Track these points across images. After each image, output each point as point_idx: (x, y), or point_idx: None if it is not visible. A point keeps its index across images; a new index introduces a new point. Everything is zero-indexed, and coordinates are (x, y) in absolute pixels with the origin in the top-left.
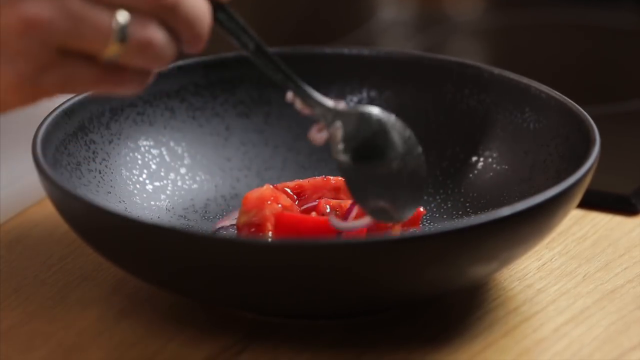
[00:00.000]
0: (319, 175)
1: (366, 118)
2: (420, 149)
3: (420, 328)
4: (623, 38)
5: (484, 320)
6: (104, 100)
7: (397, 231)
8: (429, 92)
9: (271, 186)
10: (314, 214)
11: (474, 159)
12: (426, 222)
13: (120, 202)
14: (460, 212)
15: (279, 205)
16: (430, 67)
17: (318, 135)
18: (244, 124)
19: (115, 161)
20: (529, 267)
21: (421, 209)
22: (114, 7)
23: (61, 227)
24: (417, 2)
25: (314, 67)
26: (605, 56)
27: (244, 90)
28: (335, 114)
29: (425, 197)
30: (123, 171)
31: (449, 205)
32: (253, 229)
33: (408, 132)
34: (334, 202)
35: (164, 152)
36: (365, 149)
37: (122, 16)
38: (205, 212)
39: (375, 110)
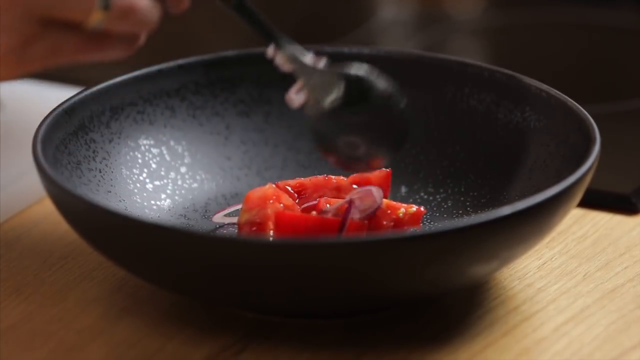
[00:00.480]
0: (319, 174)
1: (345, 76)
2: (404, 104)
3: (421, 327)
4: (623, 37)
5: (484, 319)
6: (105, 99)
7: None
8: (429, 91)
9: (273, 185)
10: (314, 213)
11: (474, 157)
12: (426, 221)
13: (120, 201)
14: (460, 212)
15: (281, 205)
16: (431, 66)
17: (295, 97)
18: (244, 123)
19: (116, 160)
20: (529, 266)
21: (422, 208)
22: None
23: (61, 227)
24: (417, 1)
25: None
26: (606, 55)
27: (244, 89)
28: (314, 71)
29: (426, 197)
30: (123, 170)
31: (449, 204)
32: (254, 228)
33: (390, 89)
34: (333, 201)
35: (164, 151)
36: (341, 103)
37: None
38: (206, 211)
39: (355, 69)
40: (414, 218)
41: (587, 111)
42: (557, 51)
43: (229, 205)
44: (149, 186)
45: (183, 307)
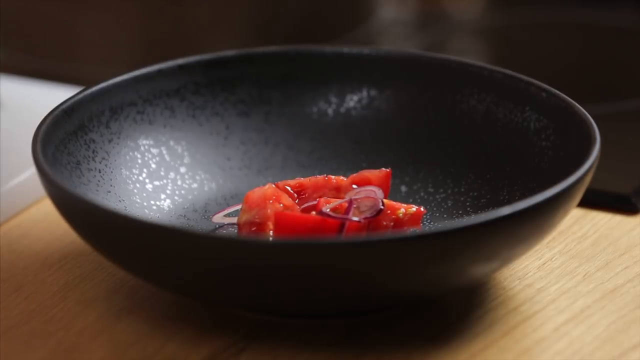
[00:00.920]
0: (319, 174)
1: None
2: None
3: (421, 327)
4: (623, 37)
5: (484, 319)
6: (104, 99)
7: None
8: (429, 91)
9: (273, 185)
10: (313, 213)
11: (474, 157)
12: (426, 221)
13: (120, 201)
14: (460, 212)
15: (281, 205)
16: (431, 66)
17: None
18: (244, 123)
19: (115, 160)
20: (529, 267)
21: (422, 208)
22: None
23: (61, 227)
24: (417, 1)
25: (314, 66)
26: (606, 55)
27: (244, 89)
28: None
29: (426, 197)
30: (123, 170)
31: (449, 204)
32: (254, 228)
33: None
34: (333, 200)
35: (164, 151)
36: None
37: None
38: (205, 211)
39: None
40: (414, 218)
41: (587, 111)
42: (557, 51)
43: (228, 205)
44: (149, 186)
45: (183, 307)
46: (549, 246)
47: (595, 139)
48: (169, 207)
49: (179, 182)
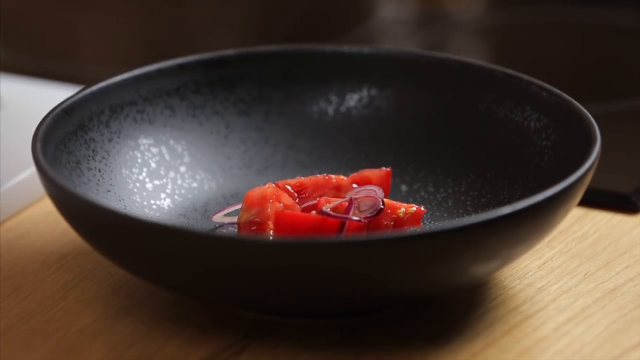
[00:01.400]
0: (319, 173)
1: None
2: None
3: (421, 327)
4: (624, 36)
5: (484, 319)
6: (104, 99)
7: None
8: (430, 90)
9: (273, 184)
10: (313, 212)
11: (475, 157)
12: (427, 220)
13: (119, 200)
14: (461, 211)
15: (281, 204)
16: (431, 65)
17: None
18: (244, 122)
19: (115, 160)
20: (529, 266)
21: (422, 207)
22: None
23: (60, 226)
24: (417, 0)
25: (314, 65)
26: (606, 54)
27: (244, 88)
28: None
29: (426, 196)
30: (123, 170)
31: (450, 203)
32: (254, 227)
33: None
34: (333, 200)
35: (164, 151)
36: None
37: None
38: (205, 210)
39: None
40: (414, 217)
41: (588, 110)
42: (558, 50)
43: (228, 204)
44: (149, 186)
45: (183, 306)
46: (550, 245)
47: (595, 138)
48: (169, 206)
49: (179, 182)
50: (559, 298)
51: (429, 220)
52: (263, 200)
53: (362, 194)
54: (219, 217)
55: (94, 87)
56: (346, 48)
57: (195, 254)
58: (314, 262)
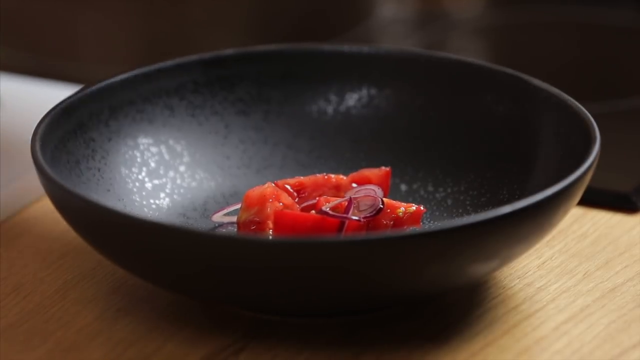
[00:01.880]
0: (318, 173)
1: None
2: None
3: (420, 326)
4: (623, 35)
5: (484, 318)
6: (104, 98)
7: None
8: (429, 89)
9: (272, 184)
10: (313, 212)
11: (474, 156)
12: (426, 220)
13: (119, 200)
14: (460, 210)
15: (280, 204)
16: (430, 64)
17: None
18: (243, 121)
19: (114, 159)
20: (529, 265)
21: (421, 207)
22: None
23: (60, 225)
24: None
25: (314, 65)
26: (606, 53)
27: (243, 88)
28: None
29: (426, 195)
30: (122, 169)
31: (449, 203)
32: (254, 227)
33: None
34: (332, 199)
35: (163, 150)
36: None
37: None
38: (205, 210)
39: None
40: (414, 217)
41: (587, 110)
42: (557, 50)
43: (228, 204)
44: (148, 185)
45: (182, 306)
46: (549, 245)
47: (595, 137)
48: (168, 205)
49: (178, 181)
50: (559, 297)
51: (429, 219)
52: (262, 199)
53: (362, 193)
54: (218, 217)
55: (94, 87)
56: (345, 47)
57: (194, 253)
58: (313, 261)
